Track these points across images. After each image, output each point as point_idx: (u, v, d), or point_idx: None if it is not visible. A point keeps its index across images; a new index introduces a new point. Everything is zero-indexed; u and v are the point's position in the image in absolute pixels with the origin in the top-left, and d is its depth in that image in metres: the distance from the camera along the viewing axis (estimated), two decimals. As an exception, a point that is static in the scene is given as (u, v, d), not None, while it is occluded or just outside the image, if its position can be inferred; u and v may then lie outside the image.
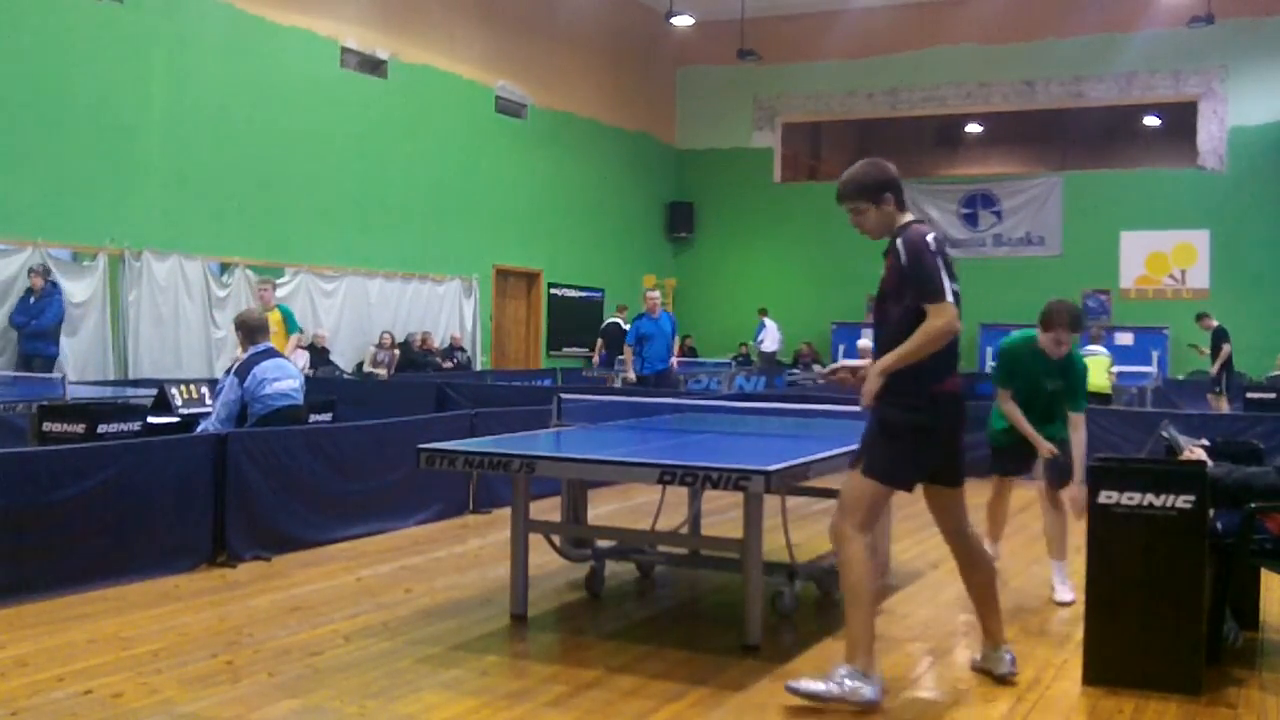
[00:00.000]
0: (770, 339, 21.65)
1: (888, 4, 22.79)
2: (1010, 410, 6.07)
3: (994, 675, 4.58)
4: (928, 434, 4.30)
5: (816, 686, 4.17)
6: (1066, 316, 5.93)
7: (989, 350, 21.98)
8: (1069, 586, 5.94)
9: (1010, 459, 6.31)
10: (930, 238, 4.32)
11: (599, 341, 18.29)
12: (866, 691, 4.15)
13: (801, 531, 6.84)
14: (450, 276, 19.05)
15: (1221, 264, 21.04)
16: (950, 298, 4.21)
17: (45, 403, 8.13)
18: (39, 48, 12.96)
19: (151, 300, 14.13)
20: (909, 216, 4.43)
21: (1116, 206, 21.82)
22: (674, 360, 13.66)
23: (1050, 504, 6.10)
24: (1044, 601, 5.98)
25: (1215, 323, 16.46)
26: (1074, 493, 5.89)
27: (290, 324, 11.98)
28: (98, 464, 5.95)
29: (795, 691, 4.20)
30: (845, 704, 4.14)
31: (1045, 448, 6.01)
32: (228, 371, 7.43)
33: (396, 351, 17.41)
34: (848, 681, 4.15)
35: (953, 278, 4.29)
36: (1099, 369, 11.93)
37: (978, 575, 4.56)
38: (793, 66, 23.72)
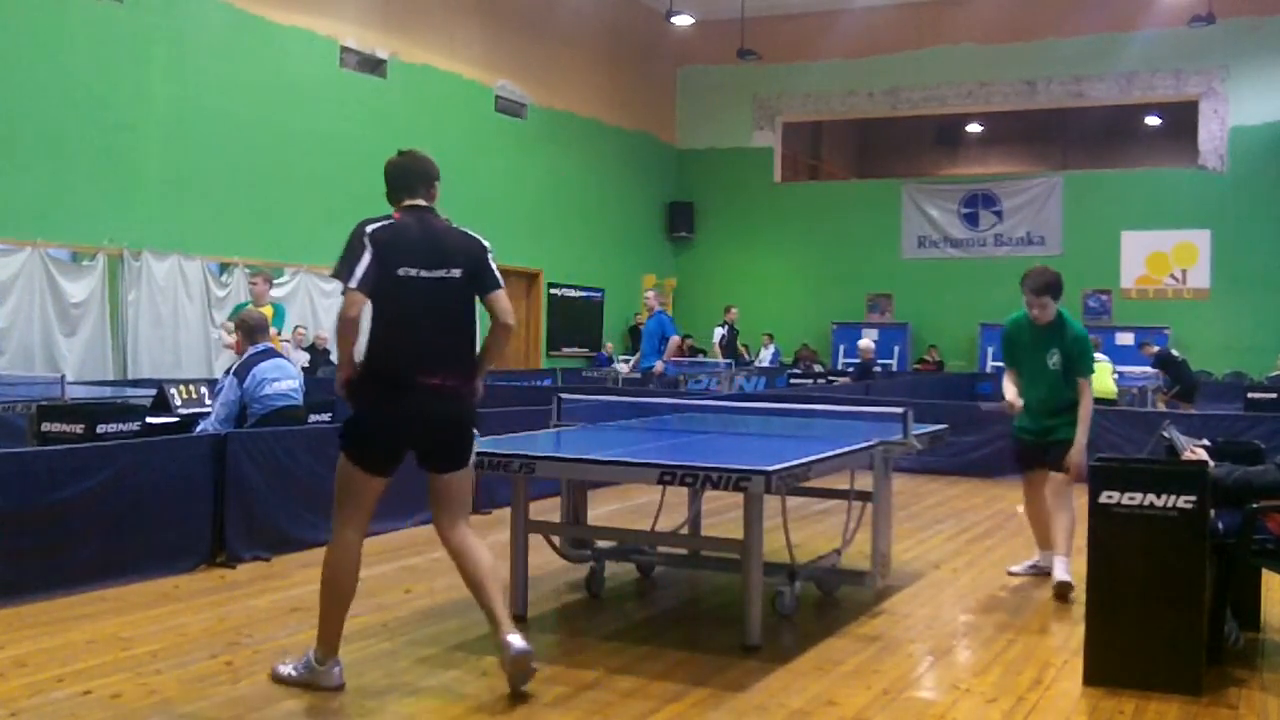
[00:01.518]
0: (773, 357, 22.00)
1: (888, 4, 22.78)
2: (1006, 380, 6.34)
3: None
4: (382, 424, 4.33)
5: (286, 670, 4.38)
6: (1031, 280, 6.08)
7: (990, 350, 21.98)
8: (1066, 567, 5.96)
9: (1025, 454, 6.44)
10: (374, 227, 4.20)
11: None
12: (327, 679, 4.32)
13: (801, 531, 6.84)
14: (450, 276, 18.99)
15: (1222, 264, 21.03)
16: (355, 284, 4.08)
17: (44, 403, 8.13)
18: (39, 48, 12.94)
19: (151, 300, 14.11)
20: (395, 210, 4.38)
21: (1117, 206, 21.81)
22: (659, 363, 13.60)
23: (1055, 501, 6.14)
24: (1044, 602, 5.98)
25: (1156, 348, 16.47)
26: (1075, 458, 6.04)
27: (278, 322, 11.95)
28: (97, 464, 5.94)
29: (275, 677, 4.39)
30: (312, 688, 4.30)
31: (1009, 403, 6.22)
32: (227, 371, 7.43)
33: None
34: (308, 669, 4.34)
35: (418, 264, 4.22)
36: (1103, 375, 11.95)
37: (467, 567, 4.46)
38: (793, 66, 23.70)
